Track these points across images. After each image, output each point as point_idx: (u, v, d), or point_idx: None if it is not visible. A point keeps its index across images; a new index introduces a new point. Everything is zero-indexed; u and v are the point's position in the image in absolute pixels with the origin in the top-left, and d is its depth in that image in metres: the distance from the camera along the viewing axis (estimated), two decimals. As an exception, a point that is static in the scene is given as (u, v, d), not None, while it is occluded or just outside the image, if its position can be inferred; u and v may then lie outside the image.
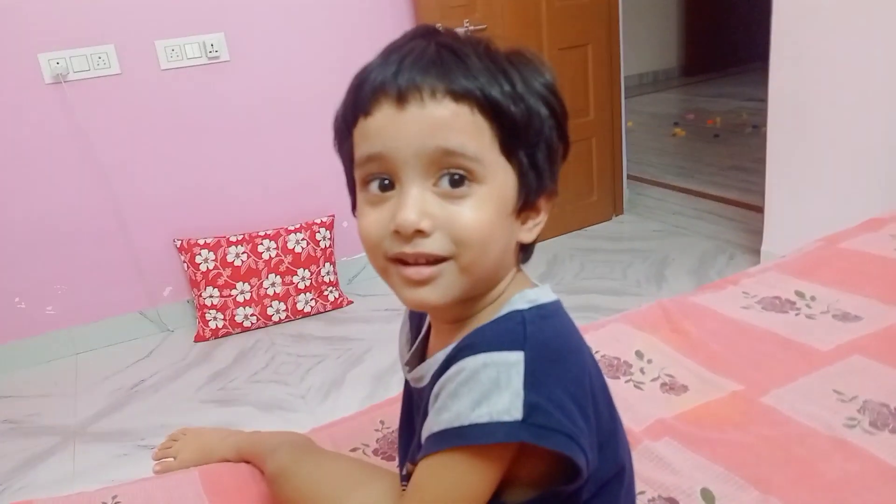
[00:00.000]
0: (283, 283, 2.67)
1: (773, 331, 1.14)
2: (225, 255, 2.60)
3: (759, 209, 2.75)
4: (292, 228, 2.70)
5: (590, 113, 3.22)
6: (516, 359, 0.53)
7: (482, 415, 0.51)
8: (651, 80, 6.87)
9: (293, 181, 2.76)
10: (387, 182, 0.57)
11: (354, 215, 0.62)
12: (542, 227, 0.62)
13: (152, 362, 2.48)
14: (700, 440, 0.90)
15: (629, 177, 3.62)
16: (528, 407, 0.51)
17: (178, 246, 2.60)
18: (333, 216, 2.78)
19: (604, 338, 1.17)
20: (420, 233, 0.54)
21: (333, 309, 2.75)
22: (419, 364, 0.66)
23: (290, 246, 2.68)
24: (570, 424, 0.53)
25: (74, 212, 2.50)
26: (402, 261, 0.56)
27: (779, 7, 2.32)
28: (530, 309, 0.58)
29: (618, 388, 1.02)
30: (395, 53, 0.57)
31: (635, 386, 1.03)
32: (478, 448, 0.52)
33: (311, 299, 2.71)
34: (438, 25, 0.61)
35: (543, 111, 0.58)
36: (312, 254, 2.71)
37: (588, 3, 3.09)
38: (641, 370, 1.07)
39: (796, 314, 1.19)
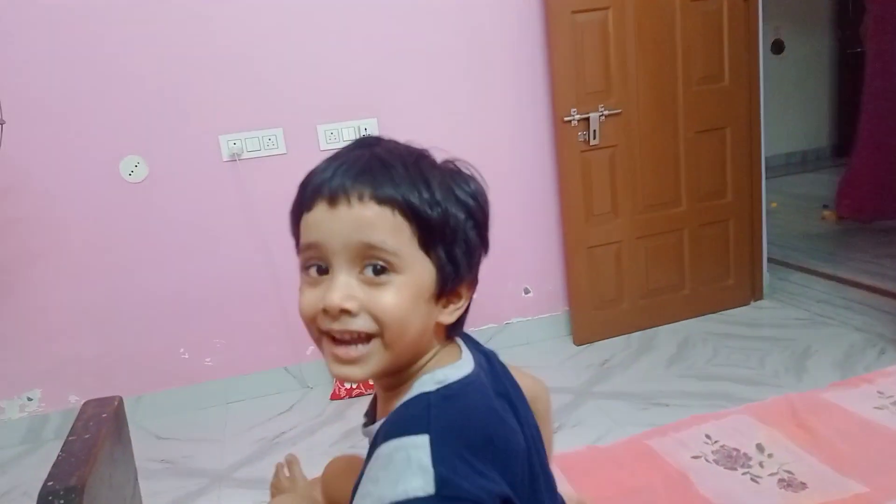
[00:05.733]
0: (415, 350, 2.79)
1: (908, 434, 1.10)
2: (363, 320, 2.78)
3: (916, 302, 2.57)
4: (426, 298, 2.84)
5: (727, 195, 3.17)
6: (423, 441, 0.59)
7: (399, 493, 0.57)
8: (799, 159, 6.60)
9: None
10: (322, 267, 0.66)
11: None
12: (462, 310, 0.70)
13: (292, 416, 2.67)
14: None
15: (770, 260, 3.48)
16: (439, 481, 0.57)
17: (323, 309, 2.81)
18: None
19: (725, 429, 1.17)
20: (346, 312, 0.63)
21: (461, 378, 2.84)
22: (371, 424, 0.73)
23: (423, 315, 2.82)
24: (478, 490, 0.58)
25: (238, 274, 2.79)
26: (332, 337, 0.66)
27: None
28: (437, 391, 0.65)
29: (731, 481, 1.03)
30: (336, 161, 0.67)
31: (752, 479, 1.03)
32: None
33: (440, 367, 2.81)
34: (380, 136, 0.72)
35: (461, 215, 0.67)
36: (444, 323, 2.83)
37: (728, 87, 3.09)
38: (760, 464, 1.06)
39: (936, 419, 1.14)
